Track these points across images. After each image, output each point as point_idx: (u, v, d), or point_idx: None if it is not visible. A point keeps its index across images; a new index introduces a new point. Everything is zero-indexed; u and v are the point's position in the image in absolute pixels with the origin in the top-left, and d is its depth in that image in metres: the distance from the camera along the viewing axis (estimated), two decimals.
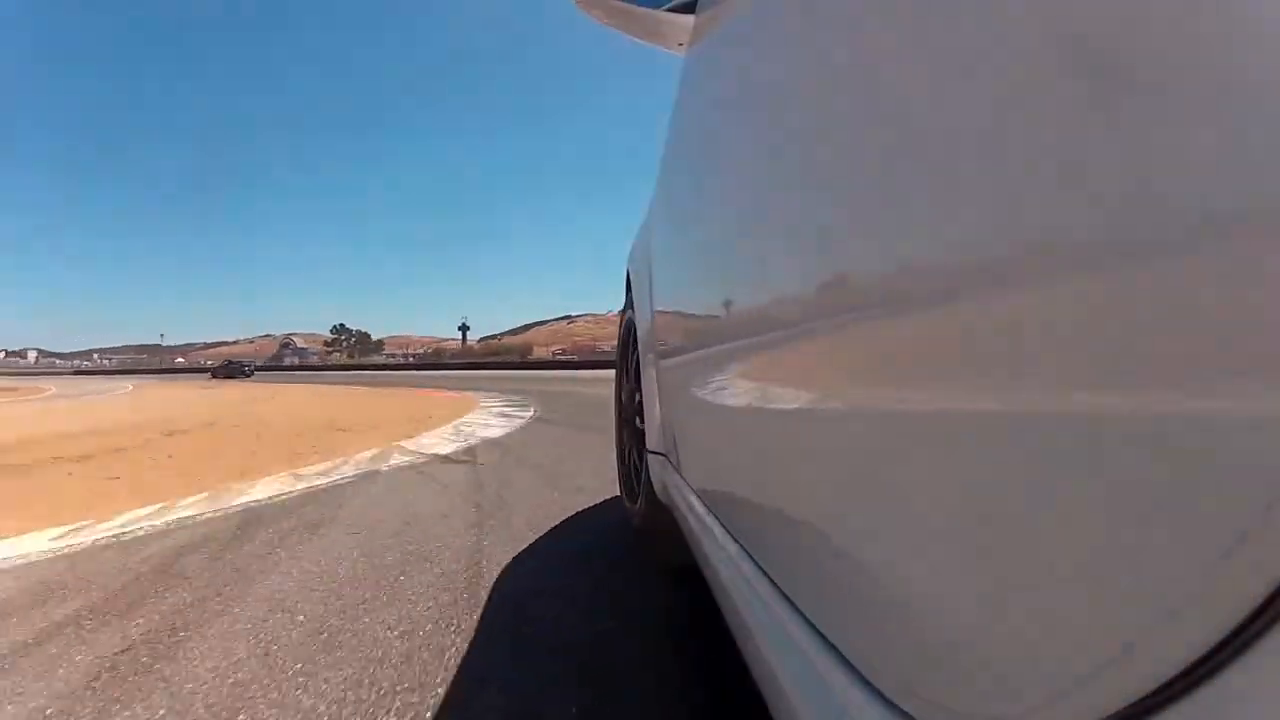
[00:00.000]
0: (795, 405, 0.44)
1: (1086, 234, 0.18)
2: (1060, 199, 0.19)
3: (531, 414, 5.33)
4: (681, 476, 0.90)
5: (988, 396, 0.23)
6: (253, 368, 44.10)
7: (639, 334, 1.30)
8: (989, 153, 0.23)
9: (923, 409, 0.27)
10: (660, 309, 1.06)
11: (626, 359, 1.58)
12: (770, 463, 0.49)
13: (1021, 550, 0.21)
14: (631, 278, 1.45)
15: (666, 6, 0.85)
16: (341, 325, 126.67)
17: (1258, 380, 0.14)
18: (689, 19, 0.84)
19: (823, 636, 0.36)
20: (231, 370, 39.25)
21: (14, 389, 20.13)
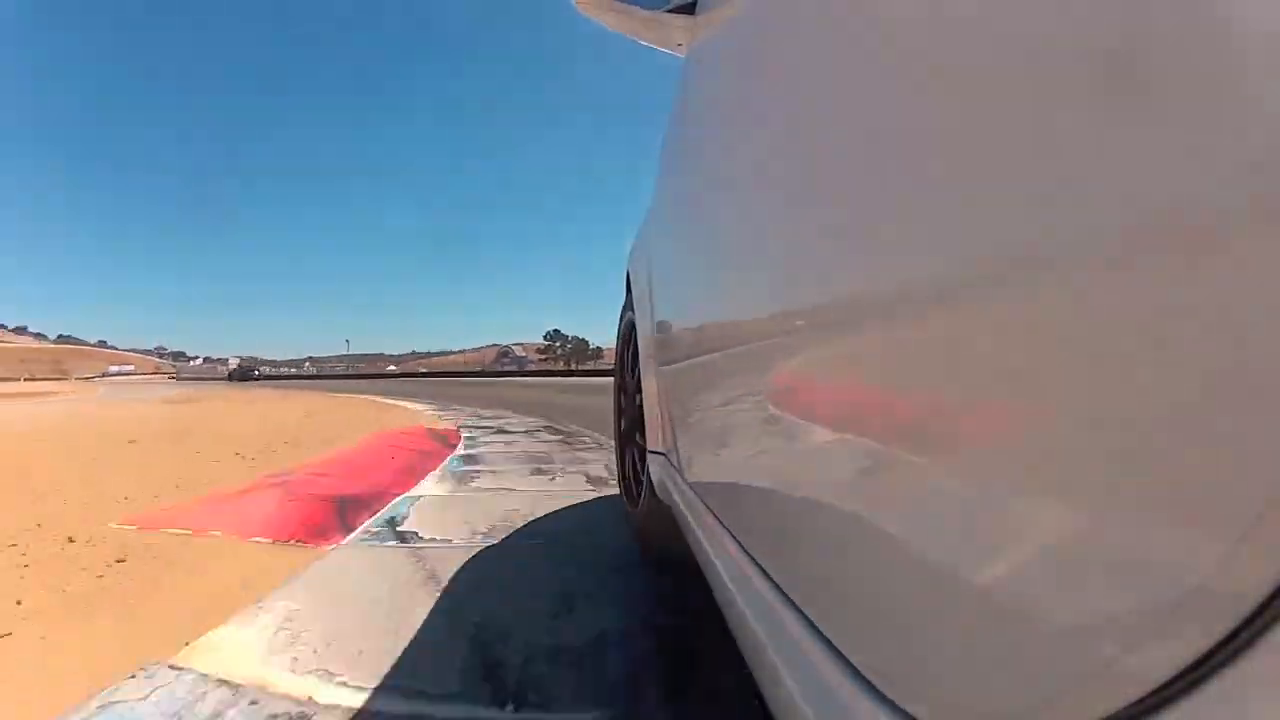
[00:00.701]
0: (795, 405, 0.44)
1: (1087, 235, 0.18)
2: (1063, 200, 0.19)
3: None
4: (682, 476, 0.90)
5: (987, 397, 0.23)
6: (259, 373, 54.01)
7: (639, 334, 1.30)
8: (991, 154, 0.23)
9: (923, 410, 0.28)
10: (660, 309, 1.06)
11: (626, 359, 1.58)
12: (770, 463, 0.49)
13: (1021, 551, 0.21)
14: (631, 278, 1.45)
15: (666, 7, 0.85)
16: (556, 331, 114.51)
17: (1257, 380, 0.14)
18: (689, 19, 0.84)
19: (823, 636, 0.36)
20: (244, 373, 49.43)
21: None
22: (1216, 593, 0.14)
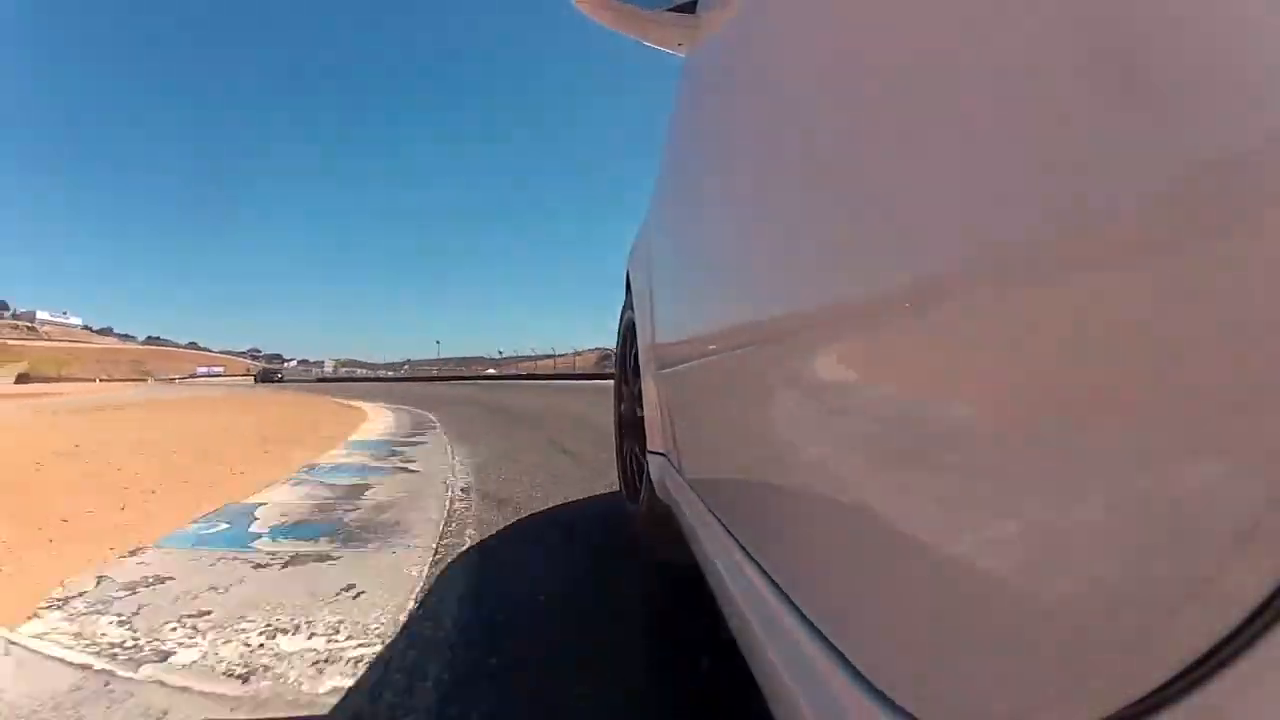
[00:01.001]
0: (794, 405, 0.44)
1: (1090, 234, 0.18)
2: (1063, 200, 0.19)
3: None
4: (682, 476, 0.90)
5: (986, 398, 0.23)
6: (282, 375, 58.31)
7: (639, 334, 1.30)
8: (991, 153, 0.23)
9: (922, 409, 0.28)
10: (660, 309, 1.06)
11: (626, 358, 1.58)
12: (770, 462, 0.49)
13: (1021, 550, 0.21)
14: (631, 278, 1.45)
15: (667, 7, 0.85)
16: None
17: (1257, 380, 0.14)
18: (689, 19, 0.84)
19: (822, 635, 0.36)
20: (268, 375, 53.29)
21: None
22: (1216, 593, 0.14)
